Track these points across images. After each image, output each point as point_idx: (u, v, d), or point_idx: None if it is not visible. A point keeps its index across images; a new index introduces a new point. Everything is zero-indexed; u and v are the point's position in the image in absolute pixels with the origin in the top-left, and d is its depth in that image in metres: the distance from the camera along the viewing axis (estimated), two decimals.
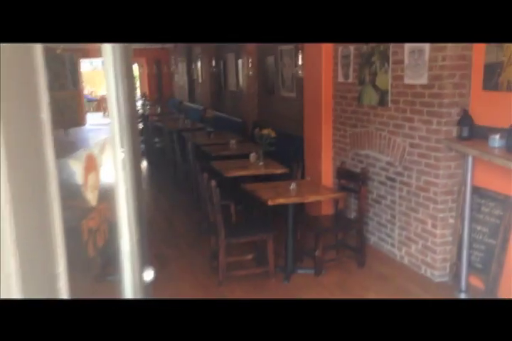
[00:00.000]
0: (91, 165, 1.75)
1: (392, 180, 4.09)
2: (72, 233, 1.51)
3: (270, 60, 7.41)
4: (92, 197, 1.75)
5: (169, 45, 14.03)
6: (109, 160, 1.49)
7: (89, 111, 19.41)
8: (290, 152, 5.74)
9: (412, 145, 3.84)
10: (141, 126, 11.02)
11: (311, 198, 3.85)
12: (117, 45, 1.37)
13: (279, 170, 4.80)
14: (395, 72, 3.98)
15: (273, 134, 4.93)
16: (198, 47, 11.92)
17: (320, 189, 4.24)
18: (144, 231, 1.59)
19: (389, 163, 4.13)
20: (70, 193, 1.64)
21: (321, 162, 5.08)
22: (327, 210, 4.85)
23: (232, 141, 6.29)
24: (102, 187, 1.79)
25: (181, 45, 13.14)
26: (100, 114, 13.54)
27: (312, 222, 4.22)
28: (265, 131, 4.93)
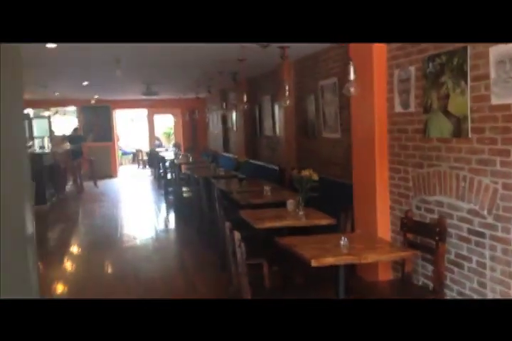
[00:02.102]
0: None
1: (480, 234, 3.04)
2: None
3: (309, 99, 6.64)
4: None
5: (204, 95, 13.64)
6: None
7: (123, 163, 19.12)
8: (336, 200, 4.78)
9: (506, 187, 2.83)
10: (169, 176, 10.35)
11: (371, 257, 2.82)
12: None
13: (324, 221, 3.84)
14: (476, 92, 3.05)
15: (315, 177, 4.02)
16: (232, 93, 11.39)
17: (379, 245, 3.21)
18: None
19: (473, 212, 3.10)
20: None
21: (376, 211, 4.07)
22: (385, 274, 3.79)
23: (267, 188, 5.39)
24: None
25: (216, 94, 12.69)
26: (135, 166, 13.01)
27: (370, 291, 3.17)
28: (305, 173, 4.02)
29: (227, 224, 3.04)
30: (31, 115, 15.32)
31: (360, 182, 4.36)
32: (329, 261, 2.70)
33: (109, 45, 6.00)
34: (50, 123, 15.18)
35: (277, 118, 8.16)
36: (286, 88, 4.57)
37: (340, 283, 2.83)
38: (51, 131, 15.23)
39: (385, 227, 4.03)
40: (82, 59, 6.93)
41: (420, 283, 3.55)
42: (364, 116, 4.27)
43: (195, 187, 7.77)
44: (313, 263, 2.64)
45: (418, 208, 3.67)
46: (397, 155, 3.97)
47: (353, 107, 4.50)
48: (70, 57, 6.78)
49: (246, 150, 10.18)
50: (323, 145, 6.39)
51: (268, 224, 3.75)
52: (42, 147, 13.33)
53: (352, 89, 3.17)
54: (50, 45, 5.62)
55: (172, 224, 7.99)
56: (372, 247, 3.04)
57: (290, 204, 4.28)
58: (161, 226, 7.85)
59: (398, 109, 3.92)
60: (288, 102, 4.69)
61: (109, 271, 5.56)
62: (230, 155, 10.60)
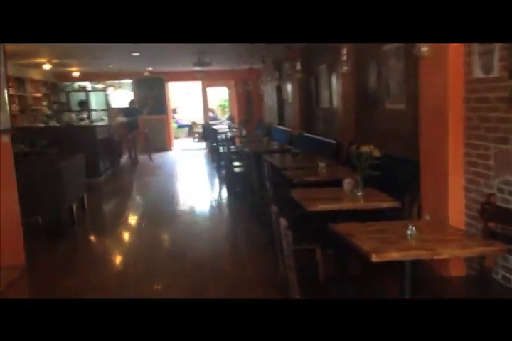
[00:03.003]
0: None
1: None
2: None
3: (370, 66, 6.02)
4: None
5: (258, 66, 13.13)
6: None
7: (179, 136, 19.08)
8: (400, 179, 4.26)
9: None
10: (221, 149, 10.07)
11: (446, 253, 2.33)
12: None
13: (386, 204, 3.37)
14: None
15: (376, 153, 3.52)
16: (287, 64, 10.82)
17: (454, 236, 2.68)
18: None
19: None
20: None
21: (448, 193, 3.54)
22: (459, 268, 3.29)
23: (322, 164, 4.93)
24: None
25: (270, 64, 12.15)
26: (190, 139, 12.82)
27: (442, 288, 2.71)
28: (365, 149, 3.53)
29: (274, 208, 2.65)
30: (89, 88, 15.47)
31: (429, 160, 3.82)
32: (393, 256, 2.25)
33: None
34: (106, 96, 15.24)
35: (334, 88, 7.59)
36: (344, 52, 4.04)
37: (407, 280, 2.38)
38: (108, 104, 15.31)
39: (458, 212, 3.50)
40: None
41: (502, 279, 3.04)
42: (435, 84, 3.69)
43: (246, 161, 7.44)
44: (374, 259, 2.21)
45: (500, 191, 3.11)
46: (476, 128, 3.39)
47: (423, 73, 3.91)
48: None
49: (301, 122, 9.68)
50: (386, 118, 5.80)
51: (322, 207, 3.33)
52: (101, 120, 13.38)
53: (424, 49, 2.64)
54: None
55: (224, 200, 7.71)
56: (445, 239, 2.55)
57: (347, 183, 3.81)
58: (213, 202, 7.59)
59: (478, 74, 3.33)
60: (346, 68, 4.16)
61: (160, 244, 5.45)
62: (285, 128, 10.14)
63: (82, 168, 6.54)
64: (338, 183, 3.98)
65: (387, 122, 5.76)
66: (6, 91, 2.69)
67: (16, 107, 11.11)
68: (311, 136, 8.19)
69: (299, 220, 3.79)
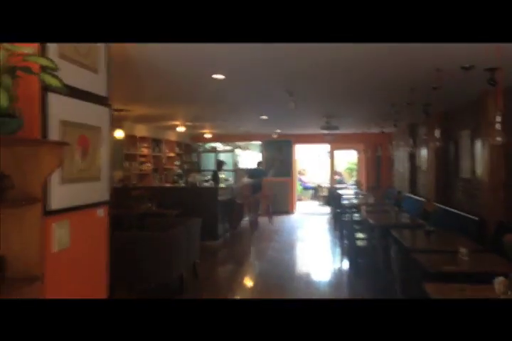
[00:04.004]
0: None
1: None
2: None
3: None
4: None
5: (390, 129, 12.49)
6: None
7: (303, 199, 18.74)
8: None
9: None
10: (347, 217, 9.39)
11: None
12: None
13: None
14: None
15: None
16: (422, 128, 10.05)
17: None
18: None
19: None
20: None
21: None
22: None
23: (463, 250, 4.09)
24: None
25: (403, 128, 11.45)
26: (314, 202, 12.33)
27: None
28: None
29: None
30: (220, 148, 16.02)
31: None
32: None
33: (279, 78, 5.52)
34: (234, 156, 15.61)
35: (479, 157, 6.67)
36: (498, 120, 3.34)
37: None
38: (235, 165, 15.64)
39: None
40: (253, 92, 6.55)
41: None
42: None
43: (370, 234, 6.71)
44: None
45: None
46: None
47: None
48: (239, 91, 6.47)
49: (436, 193, 8.71)
50: None
51: None
52: (224, 181, 13.61)
53: None
54: (217, 76, 5.29)
55: (344, 276, 6.95)
56: None
57: (499, 283, 2.98)
58: (331, 276, 6.87)
59: None
60: (499, 139, 3.43)
61: None
62: (417, 198, 9.19)
63: (198, 233, 6.34)
64: (484, 277, 3.16)
65: None
66: (107, 160, 2.42)
67: (149, 167, 11.72)
68: (448, 209, 7.23)
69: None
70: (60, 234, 2.14)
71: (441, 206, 7.32)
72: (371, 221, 6.46)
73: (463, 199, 7.59)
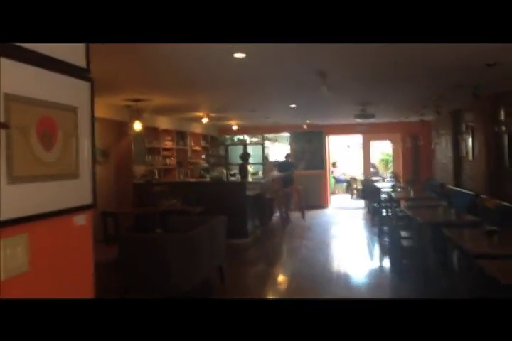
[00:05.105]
0: None
1: None
2: None
3: None
4: None
5: (430, 117, 11.59)
6: None
7: (337, 192, 17.98)
8: None
9: None
10: (385, 213, 8.63)
11: None
12: None
13: None
14: None
15: None
16: (468, 115, 9.15)
17: None
18: None
19: None
20: None
21: None
22: None
23: None
24: None
25: (446, 116, 10.54)
26: (348, 195, 11.54)
27: None
28: None
29: None
30: (247, 141, 15.36)
31: None
32: None
33: (310, 58, 4.80)
34: (263, 149, 14.94)
35: None
36: None
37: None
38: (264, 158, 14.96)
39: None
40: (279, 74, 5.84)
41: None
42: None
43: (417, 234, 5.95)
44: None
45: None
46: None
47: None
48: (267, 74, 5.78)
49: (487, 186, 7.85)
50: None
51: None
52: (252, 174, 12.95)
53: None
54: (239, 55, 4.61)
55: (385, 280, 6.20)
56: None
57: None
58: (372, 281, 6.13)
59: None
60: None
61: None
62: (467, 192, 8.30)
63: (222, 233, 5.72)
64: None
65: None
66: (89, 152, 1.82)
67: (173, 161, 11.17)
68: (505, 204, 6.38)
69: None
70: (10, 254, 1.52)
71: (498, 201, 6.47)
72: (419, 218, 5.70)
73: None
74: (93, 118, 2.00)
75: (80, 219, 1.91)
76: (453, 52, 4.72)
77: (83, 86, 1.95)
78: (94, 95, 1.98)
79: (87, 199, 1.94)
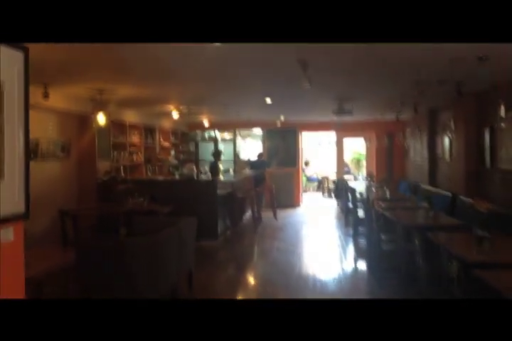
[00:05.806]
0: None
1: None
2: None
3: None
4: None
5: (406, 116, 11.38)
6: None
7: (308, 190, 17.67)
8: None
9: None
10: (361, 214, 8.33)
11: None
12: None
13: None
14: None
15: None
16: (446, 113, 8.96)
17: None
18: None
19: None
20: None
21: None
22: None
23: None
24: None
25: (422, 115, 10.34)
26: (319, 194, 11.16)
27: None
28: None
29: None
30: (219, 138, 14.86)
31: None
32: None
33: (289, 47, 4.40)
34: (235, 146, 14.50)
35: None
36: None
37: None
38: (236, 155, 14.54)
39: None
40: (257, 64, 5.42)
41: None
42: None
43: (399, 238, 5.64)
44: None
45: None
46: None
47: None
48: (242, 64, 5.35)
49: (465, 186, 7.65)
50: None
51: None
52: (224, 172, 12.50)
53: None
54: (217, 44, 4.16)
55: (363, 288, 5.84)
56: None
57: None
58: (347, 289, 5.76)
59: None
60: None
61: None
62: (444, 193, 8.03)
63: (192, 237, 5.27)
64: None
65: None
66: (22, 144, 1.34)
67: (140, 157, 10.62)
68: (497, 209, 6.14)
69: None
70: None
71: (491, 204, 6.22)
72: (403, 221, 5.39)
73: (502, 194, 6.52)
74: (27, 100, 1.54)
75: (8, 233, 1.45)
76: (437, 47, 4.41)
77: (13, 56, 1.48)
78: (28, 69, 1.52)
79: (16, 206, 1.48)
